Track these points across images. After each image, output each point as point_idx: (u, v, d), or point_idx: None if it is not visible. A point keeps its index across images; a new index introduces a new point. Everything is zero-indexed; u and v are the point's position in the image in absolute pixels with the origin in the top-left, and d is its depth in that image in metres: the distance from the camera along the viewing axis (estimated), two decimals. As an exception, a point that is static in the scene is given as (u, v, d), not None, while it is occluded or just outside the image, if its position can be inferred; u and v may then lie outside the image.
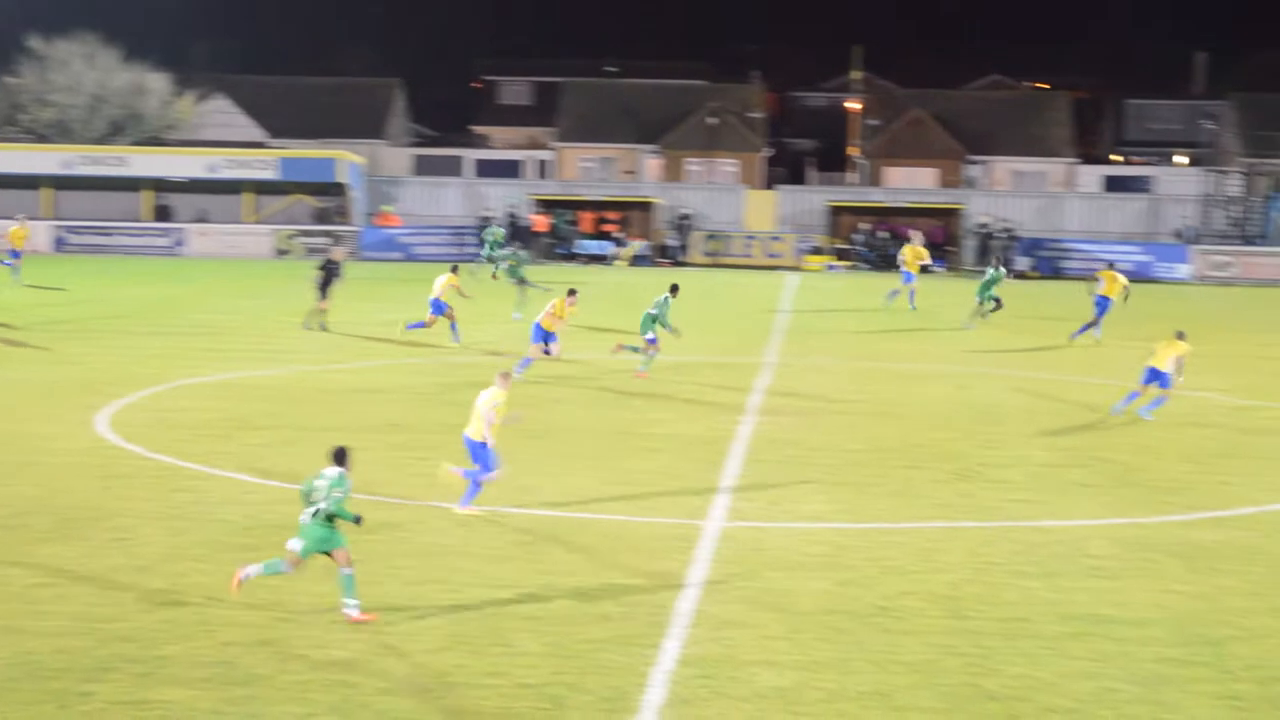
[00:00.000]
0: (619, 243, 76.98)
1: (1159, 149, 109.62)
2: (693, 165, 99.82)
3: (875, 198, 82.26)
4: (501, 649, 15.98)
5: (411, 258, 74.50)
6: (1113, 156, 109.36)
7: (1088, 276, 47.53)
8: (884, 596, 18.12)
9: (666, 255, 77.22)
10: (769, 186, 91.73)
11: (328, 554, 16.85)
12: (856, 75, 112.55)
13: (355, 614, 16.66)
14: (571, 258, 76.02)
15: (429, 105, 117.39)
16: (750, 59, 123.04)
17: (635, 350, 35.20)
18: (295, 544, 16.83)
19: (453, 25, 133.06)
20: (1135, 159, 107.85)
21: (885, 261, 72.11)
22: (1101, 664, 16.00)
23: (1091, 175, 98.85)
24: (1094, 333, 43.99)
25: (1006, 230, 75.09)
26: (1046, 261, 73.31)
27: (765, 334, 45.09)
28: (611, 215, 78.71)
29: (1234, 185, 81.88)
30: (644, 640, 16.25)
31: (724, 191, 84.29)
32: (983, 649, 16.33)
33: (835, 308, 53.92)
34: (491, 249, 64.01)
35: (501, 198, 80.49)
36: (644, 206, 78.62)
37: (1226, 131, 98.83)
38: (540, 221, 76.86)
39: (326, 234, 76.02)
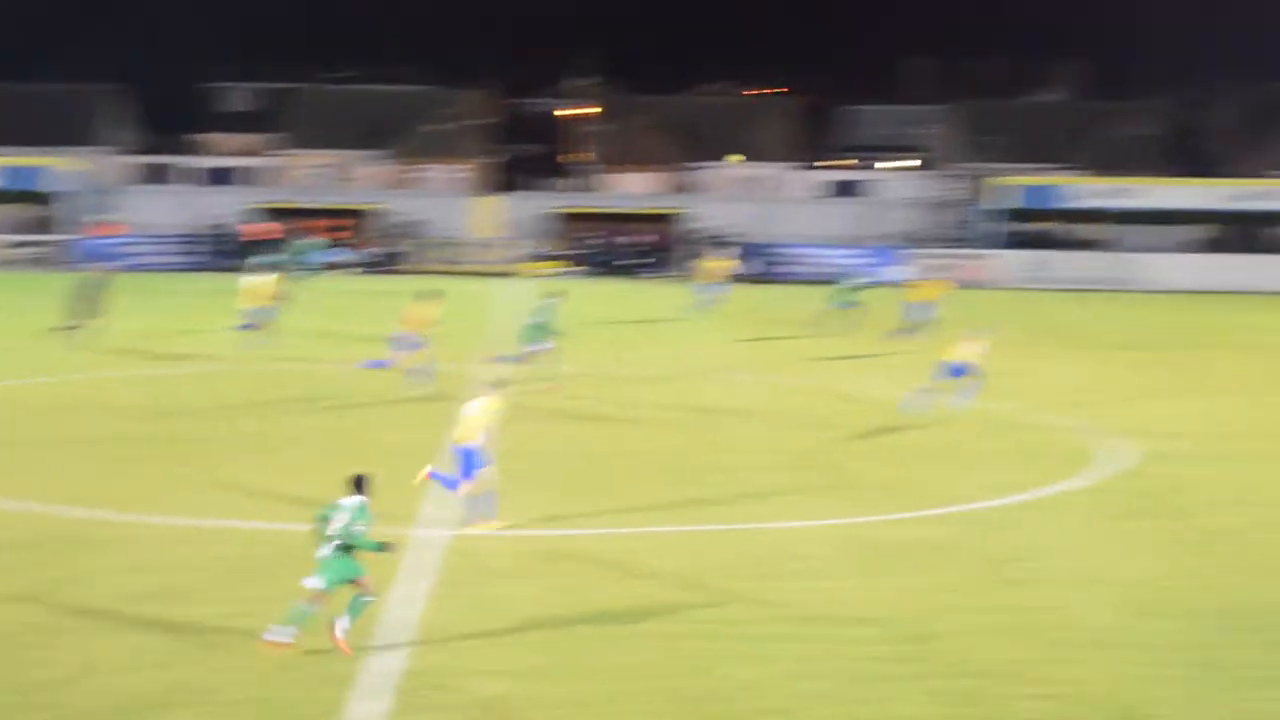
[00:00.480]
0: (341, 249, 76.46)
1: (880, 153, 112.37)
2: (421, 172, 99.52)
3: (601, 203, 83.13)
4: (223, 656, 15.91)
5: (132, 267, 73.04)
6: (836, 161, 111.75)
7: (908, 283, 50.14)
8: (600, 602, 18.41)
9: (391, 262, 76.94)
10: (498, 193, 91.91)
11: (352, 582, 16.39)
12: (583, 81, 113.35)
13: (341, 636, 16.19)
14: (302, 266, 75.27)
15: (152, 112, 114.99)
16: (481, 66, 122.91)
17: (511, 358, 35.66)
18: (315, 581, 16.24)
19: (177, 31, 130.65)
20: (856, 163, 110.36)
21: (611, 267, 73.21)
22: (814, 664, 16.46)
23: (813, 180, 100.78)
24: (916, 335, 45.97)
25: (723, 235, 76.16)
26: (769, 266, 74.65)
27: (486, 339, 45.24)
28: (336, 223, 78.18)
29: (952, 189, 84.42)
30: (365, 651, 16.31)
31: (450, 198, 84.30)
32: (697, 652, 16.70)
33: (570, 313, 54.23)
34: (294, 256, 63.49)
35: (227, 205, 79.40)
36: (368, 214, 78.30)
37: (945, 136, 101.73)
38: (260, 230, 75.93)
39: (44, 244, 74.13)
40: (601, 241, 76.68)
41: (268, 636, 16.18)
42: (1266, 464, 28.26)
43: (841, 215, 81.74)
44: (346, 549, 16.39)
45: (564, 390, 35.11)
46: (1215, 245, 74.74)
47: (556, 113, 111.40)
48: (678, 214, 79.18)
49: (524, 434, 28.41)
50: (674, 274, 74.50)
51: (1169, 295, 67.50)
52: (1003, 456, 28.63)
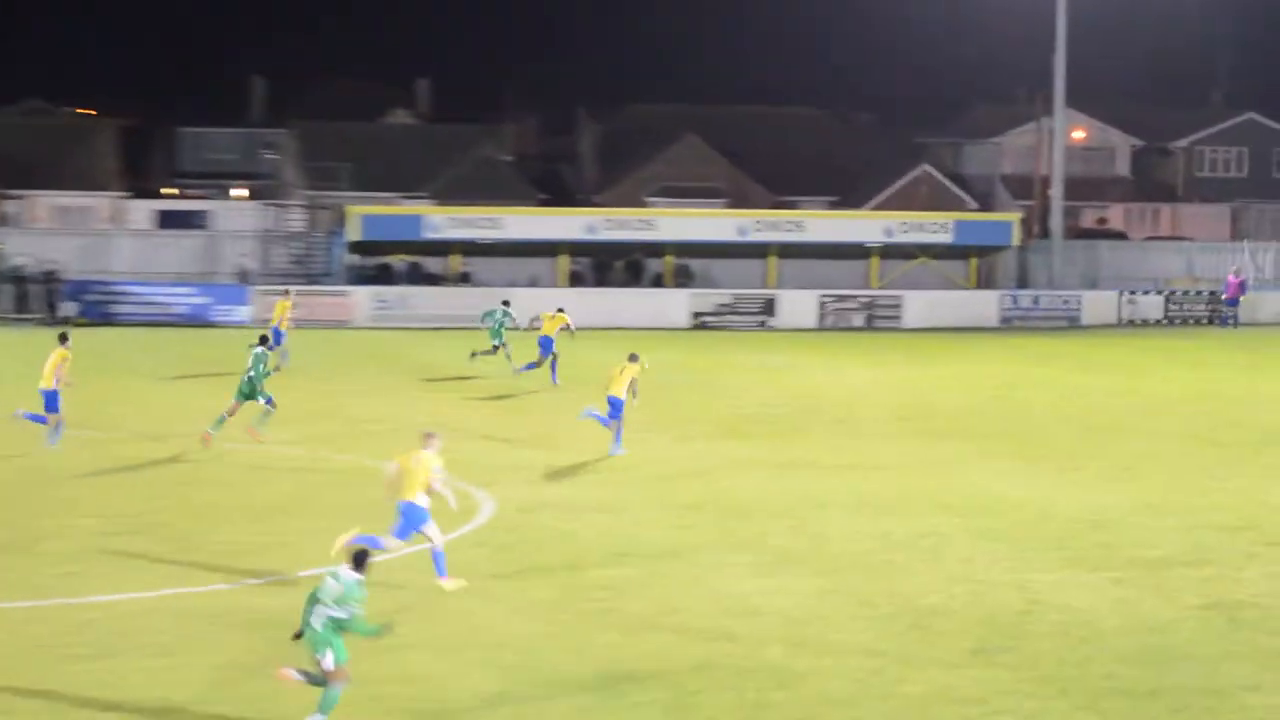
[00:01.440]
0: None
1: (217, 181, 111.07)
2: None
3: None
4: None
5: None
6: (166, 190, 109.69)
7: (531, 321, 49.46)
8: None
9: None
10: None
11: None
12: None
13: None
14: None
15: None
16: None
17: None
18: (329, 659, 16.21)
19: None
20: (191, 192, 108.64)
21: None
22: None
23: (143, 210, 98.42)
24: (550, 378, 46.58)
25: (48, 273, 73.61)
26: (95, 306, 72.35)
27: None
28: None
29: (295, 220, 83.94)
30: None
31: None
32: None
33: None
34: None
35: None
36: None
37: (287, 163, 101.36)
38: None
39: None
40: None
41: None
42: (650, 515, 29.06)
43: (178, 249, 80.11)
44: (339, 627, 16.33)
45: None
46: (575, 279, 76.99)
47: None
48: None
49: None
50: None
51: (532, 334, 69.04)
52: (373, 512, 28.47)
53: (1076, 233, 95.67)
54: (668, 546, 26.38)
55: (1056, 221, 76.46)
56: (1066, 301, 71.83)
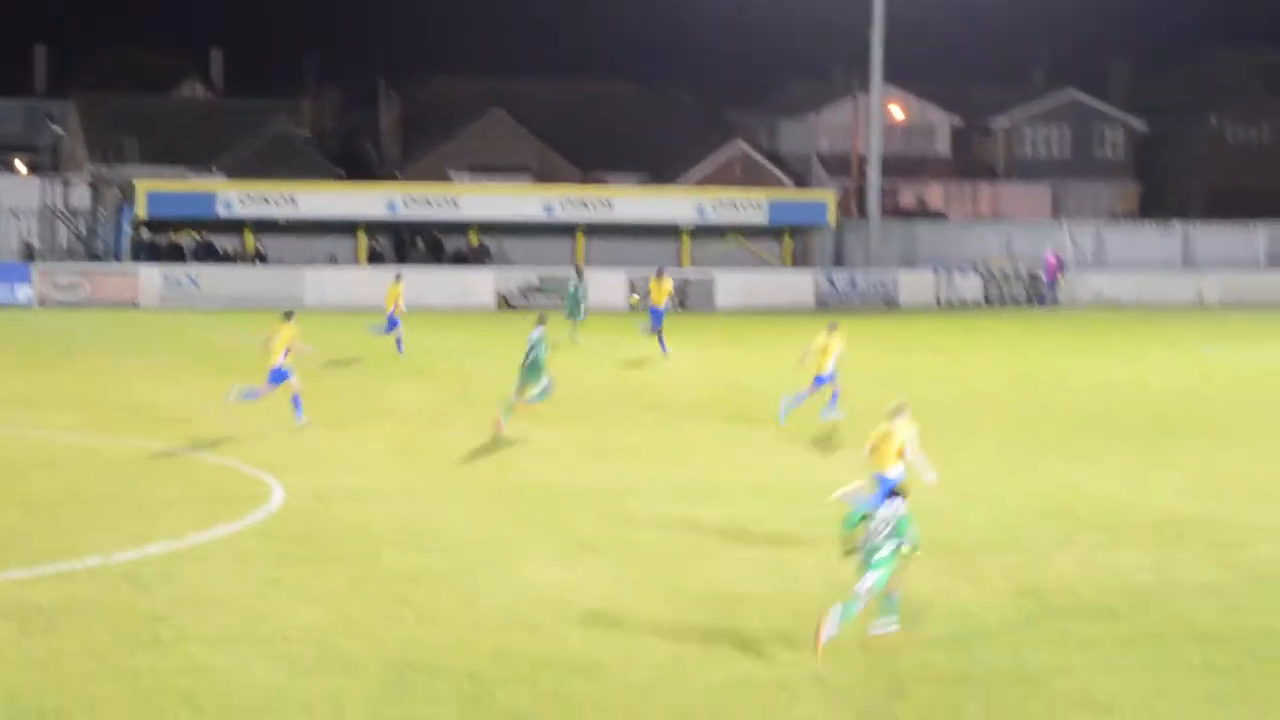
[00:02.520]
0: None
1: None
2: None
3: None
4: None
5: None
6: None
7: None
8: None
9: None
10: None
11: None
12: None
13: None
14: None
15: None
16: None
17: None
18: (873, 577, 19.69)
19: None
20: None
21: None
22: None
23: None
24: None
25: None
26: None
27: None
28: None
29: (80, 195, 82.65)
30: None
31: None
32: None
33: None
34: None
35: None
36: None
37: (71, 136, 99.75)
38: None
39: None
40: None
41: (876, 630, 19.89)
42: (450, 502, 29.02)
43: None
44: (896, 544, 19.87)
45: None
46: (374, 257, 76.61)
47: None
48: None
49: None
50: None
51: (332, 314, 68.45)
52: (156, 500, 28.20)
53: (894, 212, 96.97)
54: (468, 534, 26.37)
55: (874, 201, 77.39)
56: (884, 282, 72.71)
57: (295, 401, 35.96)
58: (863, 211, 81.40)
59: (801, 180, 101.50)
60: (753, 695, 18.59)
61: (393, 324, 49.76)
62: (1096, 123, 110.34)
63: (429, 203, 74.16)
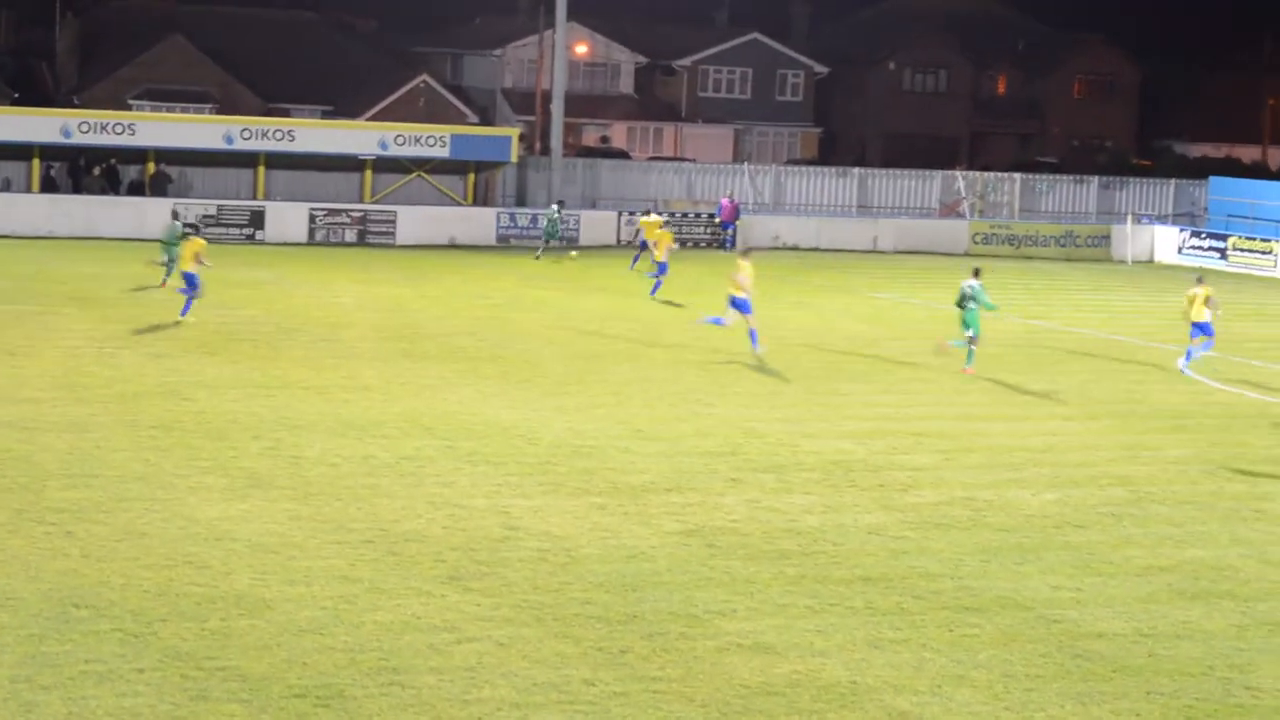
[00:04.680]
0: None
1: None
2: None
3: None
4: None
5: None
6: None
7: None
8: None
9: None
10: None
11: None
12: None
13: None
14: None
15: None
16: None
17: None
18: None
19: None
20: None
21: None
22: None
23: None
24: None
25: None
26: None
27: None
28: None
29: None
30: None
31: None
32: None
33: None
34: None
35: None
36: None
37: None
38: None
39: None
40: None
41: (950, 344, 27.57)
42: (116, 436, 28.42)
43: None
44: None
45: None
46: (48, 185, 74.66)
47: None
48: None
49: None
50: None
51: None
52: None
53: (578, 150, 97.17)
54: (133, 469, 25.93)
55: (556, 138, 77.36)
56: (566, 221, 72.92)
57: None
58: (546, 149, 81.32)
59: (487, 116, 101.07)
60: (422, 637, 18.60)
61: (662, 269, 53.41)
62: (779, 66, 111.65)
63: (105, 129, 72.28)
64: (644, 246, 59.26)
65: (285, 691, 16.76)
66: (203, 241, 43.58)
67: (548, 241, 66.66)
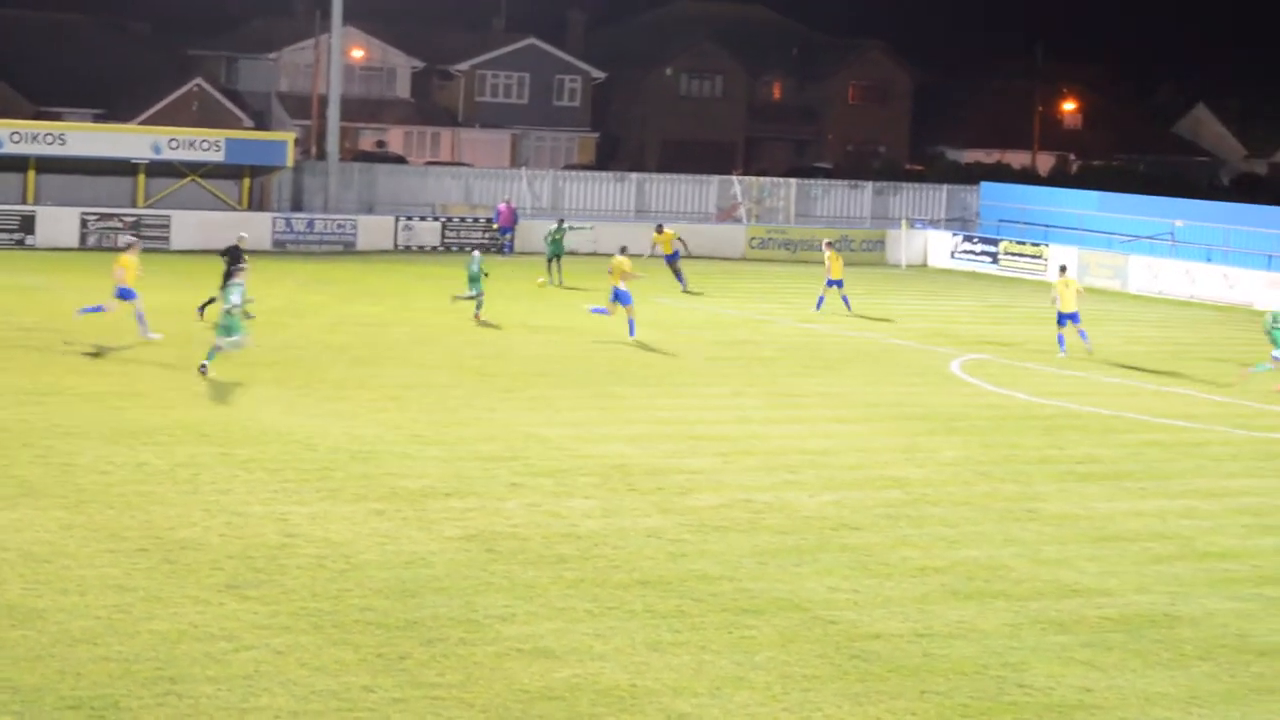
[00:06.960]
0: None
1: None
2: None
3: None
4: None
5: None
6: None
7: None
8: None
9: None
10: None
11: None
12: None
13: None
14: None
15: None
16: None
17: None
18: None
19: None
20: None
21: None
22: None
23: None
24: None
25: None
26: None
27: None
28: None
29: None
30: None
31: None
32: None
33: None
34: None
35: None
36: None
37: None
38: None
39: None
40: None
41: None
42: None
43: None
44: None
45: None
46: None
47: None
48: None
49: None
50: None
51: None
52: None
53: (354, 155, 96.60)
54: (-101, 479, 25.33)
55: (333, 143, 76.83)
56: (342, 226, 72.39)
57: None
58: (323, 154, 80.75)
59: (262, 120, 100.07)
60: (199, 646, 18.39)
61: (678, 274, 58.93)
62: (556, 71, 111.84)
63: None
64: (670, 260, 61.38)
65: (59, 703, 16.49)
66: None
67: (550, 263, 61.83)
